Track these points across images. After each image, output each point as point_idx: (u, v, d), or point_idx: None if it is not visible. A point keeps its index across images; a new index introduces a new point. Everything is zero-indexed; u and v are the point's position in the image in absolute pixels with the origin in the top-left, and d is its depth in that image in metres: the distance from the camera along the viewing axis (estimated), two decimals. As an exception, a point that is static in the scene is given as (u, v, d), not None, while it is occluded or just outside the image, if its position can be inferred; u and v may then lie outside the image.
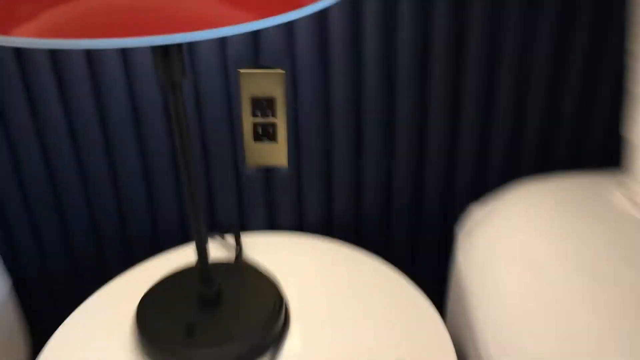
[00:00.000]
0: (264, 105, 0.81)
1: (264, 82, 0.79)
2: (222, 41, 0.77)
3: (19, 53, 0.76)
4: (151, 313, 0.64)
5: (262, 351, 0.62)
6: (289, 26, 0.76)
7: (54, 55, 0.77)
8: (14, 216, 0.87)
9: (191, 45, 0.77)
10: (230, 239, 0.82)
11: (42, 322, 0.97)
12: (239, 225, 0.89)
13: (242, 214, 0.89)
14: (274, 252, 0.79)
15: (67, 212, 0.87)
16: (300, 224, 0.90)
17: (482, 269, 0.65)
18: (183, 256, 0.78)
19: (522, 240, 0.63)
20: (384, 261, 0.78)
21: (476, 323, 0.62)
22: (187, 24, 0.38)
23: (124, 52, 0.77)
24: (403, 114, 0.81)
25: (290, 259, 0.78)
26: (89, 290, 0.93)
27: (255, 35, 0.76)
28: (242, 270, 0.71)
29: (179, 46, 0.51)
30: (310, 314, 0.68)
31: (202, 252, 0.62)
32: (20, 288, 0.92)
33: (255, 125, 0.82)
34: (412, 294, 0.71)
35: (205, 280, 0.64)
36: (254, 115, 0.81)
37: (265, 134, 0.83)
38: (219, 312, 0.64)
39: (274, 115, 0.81)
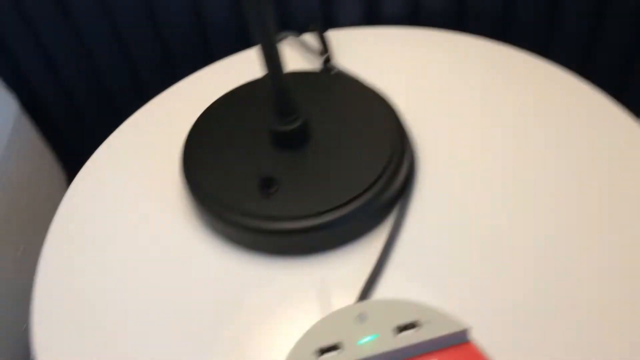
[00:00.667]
0: None
1: None
2: None
3: None
4: (204, 159, 0.42)
5: (377, 213, 0.40)
6: None
7: None
8: (11, 29, 0.63)
9: None
10: (310, 39, 0.56)
11: (71, 154, 0.78)
12: (323, 19, 0.62)
13: (326, 3, 0.61)
14: (379, 55, 0.53)
15: (76, 13, 0.62)
16: (416, 14, 0.61)
17: None
18: (241, 66, 0.54)
19: None
20: (543, 59, 0.51)
21: None
22: None
23: None
24: None
25: (406, 64, 0.52)
26: (121, 116, 0.72)
27: None
28: (334, 86, 0.46)
29: None
30: (446, 148, 0.44)
31: (273, 62, 0.37)
32: (39, 116, 0.72)
33: None
34: (593, 96, 0.45)
35: (283, 109, 0.39)
36: None
37: None
38: (306, 157, 0.41)
39: None
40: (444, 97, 0.48)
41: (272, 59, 0.36)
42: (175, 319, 0.36)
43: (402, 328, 0.32)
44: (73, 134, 0.76)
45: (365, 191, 0.38)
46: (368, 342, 0.32)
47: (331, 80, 0.47)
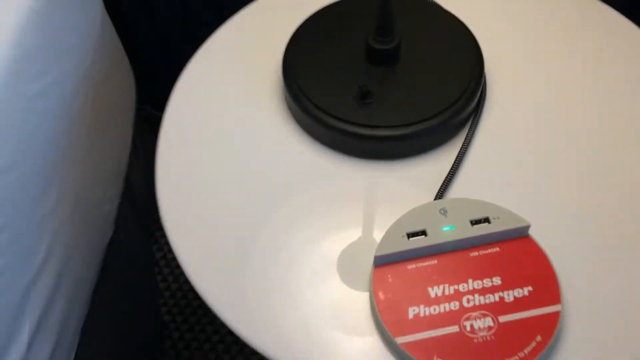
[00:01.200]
0: None
1: None
2: None
3: None
4: (304, 66, 0.48)
5: (455, 126, 0.47)
6: None
7: None
8: None
9: None
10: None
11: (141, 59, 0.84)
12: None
13: None
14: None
15: None
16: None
17: None
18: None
19: None
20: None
21: None
22: None
23: None
24: None
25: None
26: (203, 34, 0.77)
27: None
28: (415, 10, 0.52)
29: None
30: (513, 74, 0.50)
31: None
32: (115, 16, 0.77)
33: None
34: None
35: (385, 28, 0.45)
36: None
37: None
38: (398, 74, 0.47)
39: None
40: (518, 28, 0.54)
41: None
42: (271, 211, 0.44)
43: (476, 222, 0.40)
44: (146, 38, 0.81)
45: (449, 107, 0.45)
46: (449, 229, 0.40)
47: (411, 5, 0.52)
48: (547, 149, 0.46)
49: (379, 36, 0.46)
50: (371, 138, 0.44)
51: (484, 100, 0.48)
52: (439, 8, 0.51)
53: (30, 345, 0.49)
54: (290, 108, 0.49)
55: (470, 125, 0.47)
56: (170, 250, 0.94)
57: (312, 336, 0.39)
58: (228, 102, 0.50)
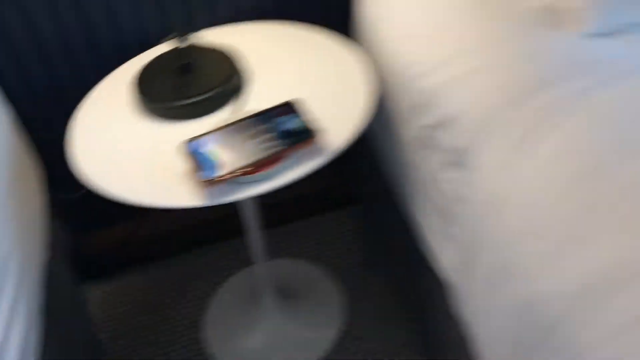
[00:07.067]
0: None
1: None
2: None
3: None
4: (146, 82, 0.84)
5: (225, 99, 0.83)
6: None
7: None
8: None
9: None
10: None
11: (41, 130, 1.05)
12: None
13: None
14: (236, 37, 0.95)
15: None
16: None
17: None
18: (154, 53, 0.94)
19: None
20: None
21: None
22: None
23: None
24: None
25: (248, 40, 0.94)
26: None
27: None
28: (206, 49, 0.89)
29: None
30: (264, 76, 0.87)
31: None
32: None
33: None
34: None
35: (182, 56, 0.84)
36: None
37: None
38: (193, 77, 0.84)
39: None
40: (268, 53, 0.91)
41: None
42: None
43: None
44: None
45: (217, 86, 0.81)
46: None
47: (205, 47, 0.89)
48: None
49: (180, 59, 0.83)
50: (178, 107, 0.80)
51: (243, 87, 0.85)
52: (216, 48, 0.89)
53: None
54: (139, 104, 0.83)
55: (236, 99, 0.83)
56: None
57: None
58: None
